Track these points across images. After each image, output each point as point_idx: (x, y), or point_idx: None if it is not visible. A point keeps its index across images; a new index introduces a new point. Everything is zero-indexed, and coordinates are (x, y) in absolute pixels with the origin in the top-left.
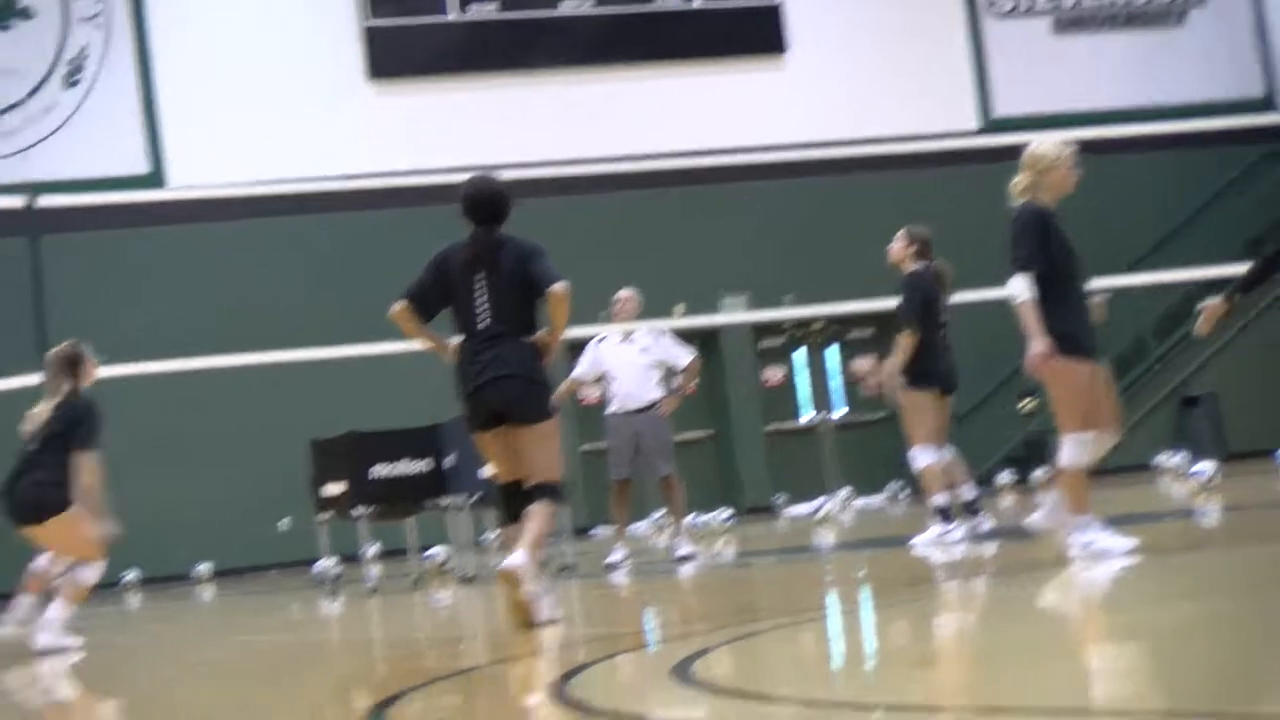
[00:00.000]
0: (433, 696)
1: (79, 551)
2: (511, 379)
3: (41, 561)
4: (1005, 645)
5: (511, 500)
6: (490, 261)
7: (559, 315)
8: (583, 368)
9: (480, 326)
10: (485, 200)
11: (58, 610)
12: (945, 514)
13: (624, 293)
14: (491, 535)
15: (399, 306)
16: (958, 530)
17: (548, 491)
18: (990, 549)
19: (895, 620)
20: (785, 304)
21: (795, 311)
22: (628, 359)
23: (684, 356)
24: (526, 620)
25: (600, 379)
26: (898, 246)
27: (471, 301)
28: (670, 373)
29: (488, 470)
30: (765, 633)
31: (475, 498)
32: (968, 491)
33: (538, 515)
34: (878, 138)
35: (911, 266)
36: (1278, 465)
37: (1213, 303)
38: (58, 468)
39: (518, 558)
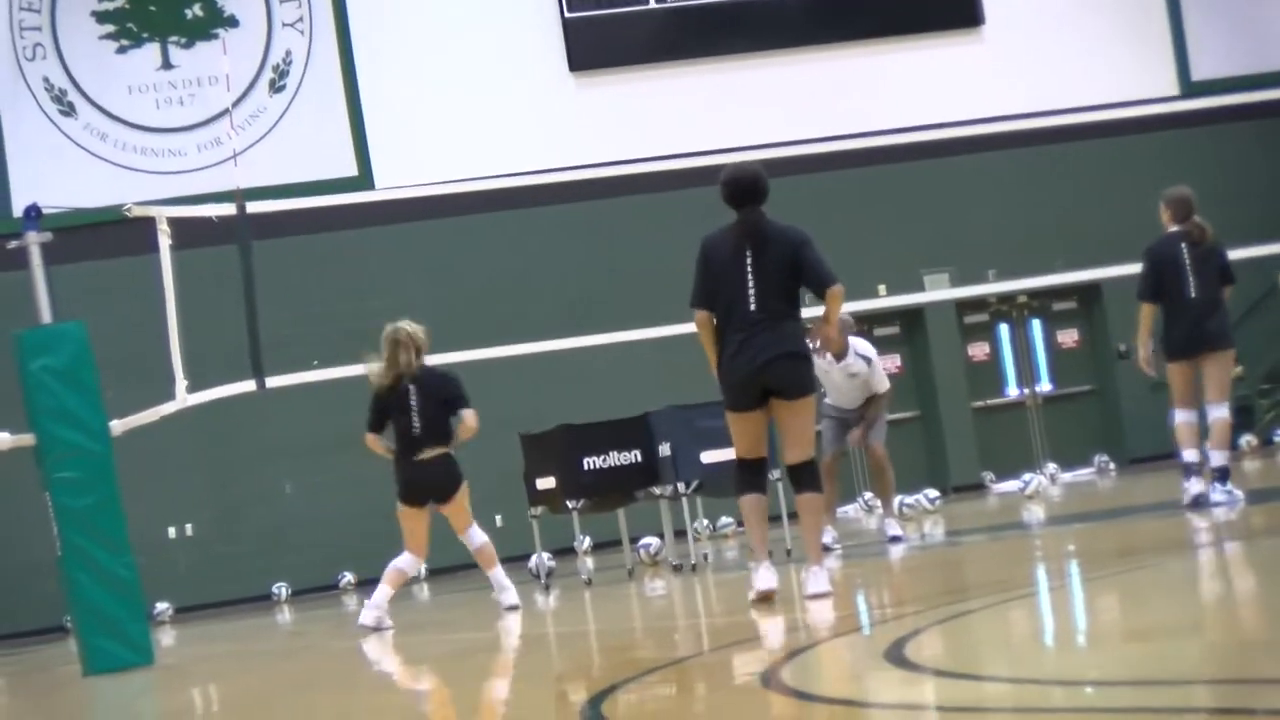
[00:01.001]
0: (647, 687)
1: (468, 521)
2: (790, 357)
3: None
4: (1206, 619)
5: (751, 475)
6: (758, 244)
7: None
8: None
9: (751, 309)
10: (749, 183)
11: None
12: (1187, 470)
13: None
14: (703, 523)
15: (699, 317)
16: (1194, 486)
17: (814, 478)
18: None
19: (1105, 594)
20: (989, 279)
21: (998, 286)
22: (836, 379)
23: (883, 384)
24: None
25: None
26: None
27: (745, 284)
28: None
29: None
30: (976, 612)
31: (694, 486)
32: (1210, 456)
33: (814, 514)
34: (1076, 107)
35: (1171, 229)
36: None
37: None
38: (445, 438)
39: (822, 583)
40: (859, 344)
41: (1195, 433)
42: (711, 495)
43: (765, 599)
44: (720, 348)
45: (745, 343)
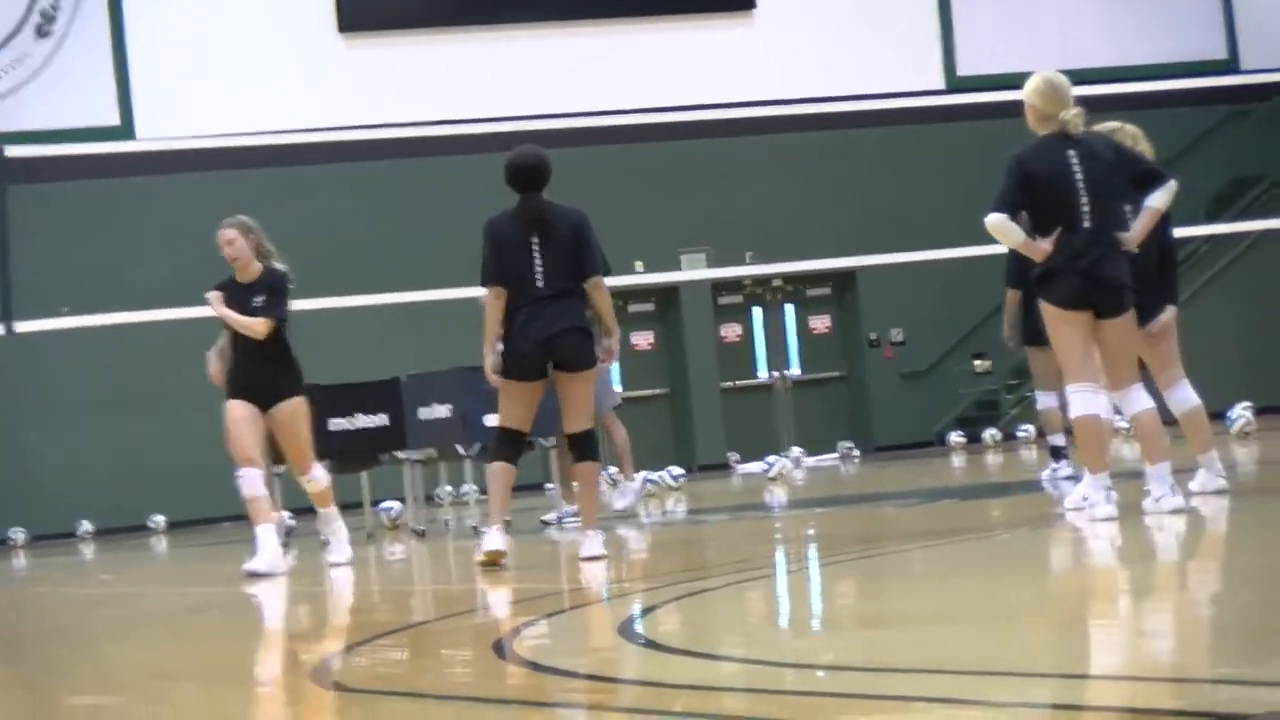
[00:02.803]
0: (379, 650)
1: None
2: (577, 331)
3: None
4: (944, 607)
5: (511, 446)
6: (542, 227)
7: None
8: None
9: (539, 285)
10: (530, 169)
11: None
12: (1054, 453)
13: None
14: (446, 489)
15: (493, 293)
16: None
17: (593, 447)
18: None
19: (843, 579)
20: (745, 261)
21: (754, 269)
22: None
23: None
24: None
25: None
26: None
27: (532, 263)
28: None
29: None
30: (713, 590)
31: (477, 449)
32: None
33: (591, 480)
34: (842, 95)
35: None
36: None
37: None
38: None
39: (597, 546)
40: None
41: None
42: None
43: (492, 561)
44: (507, 322)
45: (534, 315)
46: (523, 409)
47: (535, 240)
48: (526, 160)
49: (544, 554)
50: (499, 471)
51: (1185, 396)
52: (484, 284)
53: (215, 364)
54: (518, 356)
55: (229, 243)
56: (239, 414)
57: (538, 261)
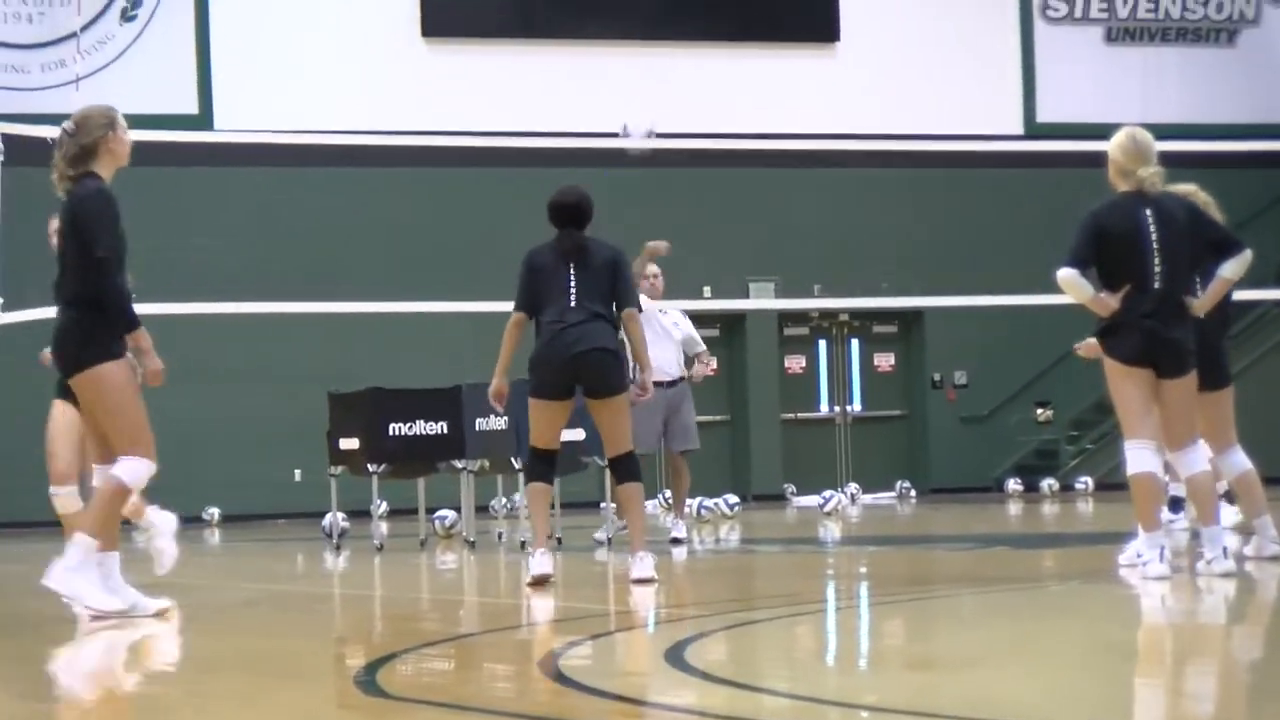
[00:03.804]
0: (424, 660)
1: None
2: (604, 352)
3: None
4: (991, 656)
5: (545, 465)
6: (579, 258)
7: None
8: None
9: (571, 305)
10: (572, 206)
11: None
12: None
13: (653, 267)
14: (501, 501)
15: (515, 319)
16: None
17: (634, 468)
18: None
19: (892, 619)
20: (814, 294)
21: (822, 302)
22: (660, 331)
23: (701, 343)
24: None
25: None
26: None
27: (568, 288)
28: (687, 356)
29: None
30: (762, 622)
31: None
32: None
33: (638, 501)
34: (921, 134)
35: None
36: None
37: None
38: None
39: (648, 568)
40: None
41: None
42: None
43: (540, 583)
44: (538, 340)
45: (563, 333)
46: (550, 428)
47: (572, 267)
48: (568, 199)
49: (594, 573)
50: (536, 492)
51: (1238, 461)
52: (515, 309)
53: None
54: (545, 373)
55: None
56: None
57: (573, 286)
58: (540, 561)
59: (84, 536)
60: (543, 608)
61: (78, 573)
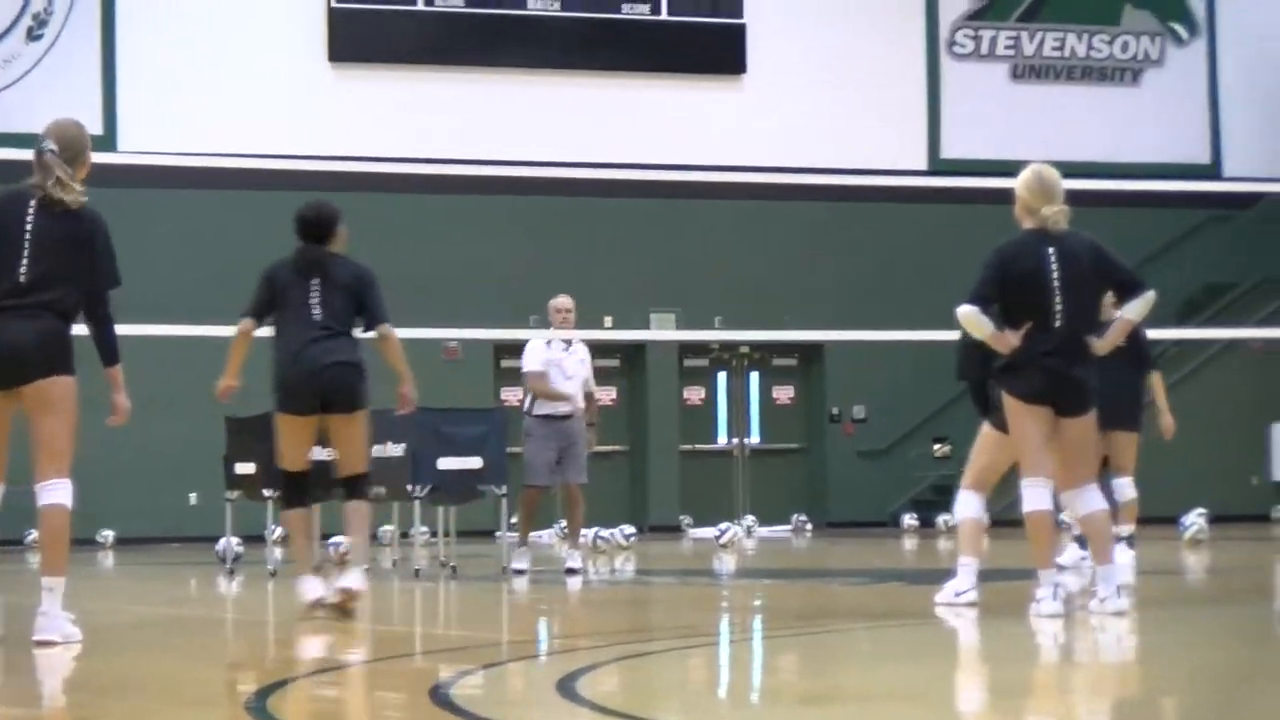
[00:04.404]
0: (316, 687)
1: None
2: (346, 366)
3: None
4: (883, 690)
5: (301, 489)
6: (321, 272)
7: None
8: (535, 366)
9: (316, 317)
10: (310, 220)
11: None
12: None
13: (566, 301)
14: (387, 529)
15: (242, 325)
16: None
17: (362, 487)
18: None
19: (787, 653)
20: (714, 326)
21: (723, 334)
22: (571, 372)
23: (593, 384)
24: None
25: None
26: None
27: (308, 302)
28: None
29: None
30: (656, 654)
31: (428, 490)
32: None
33: (363, 519)
34: (824, 168)
35: None
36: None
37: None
38: None
39: (357, 579)
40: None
41: None
42: (442, 503)
43: (316, 607)
44: (281, 357)
45: (307, 349)
46: (298, 447)
47: (315, 282)
48: (307, 213)
49: (488, 603)
50: (293, 519)
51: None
52: (242, 314)
53: None
54: (289, 388)
55: None
56: None
57: (315, 300)
58: (312, 585)
59: (57, 580)
60: (438, 638)
61: (59, 615)
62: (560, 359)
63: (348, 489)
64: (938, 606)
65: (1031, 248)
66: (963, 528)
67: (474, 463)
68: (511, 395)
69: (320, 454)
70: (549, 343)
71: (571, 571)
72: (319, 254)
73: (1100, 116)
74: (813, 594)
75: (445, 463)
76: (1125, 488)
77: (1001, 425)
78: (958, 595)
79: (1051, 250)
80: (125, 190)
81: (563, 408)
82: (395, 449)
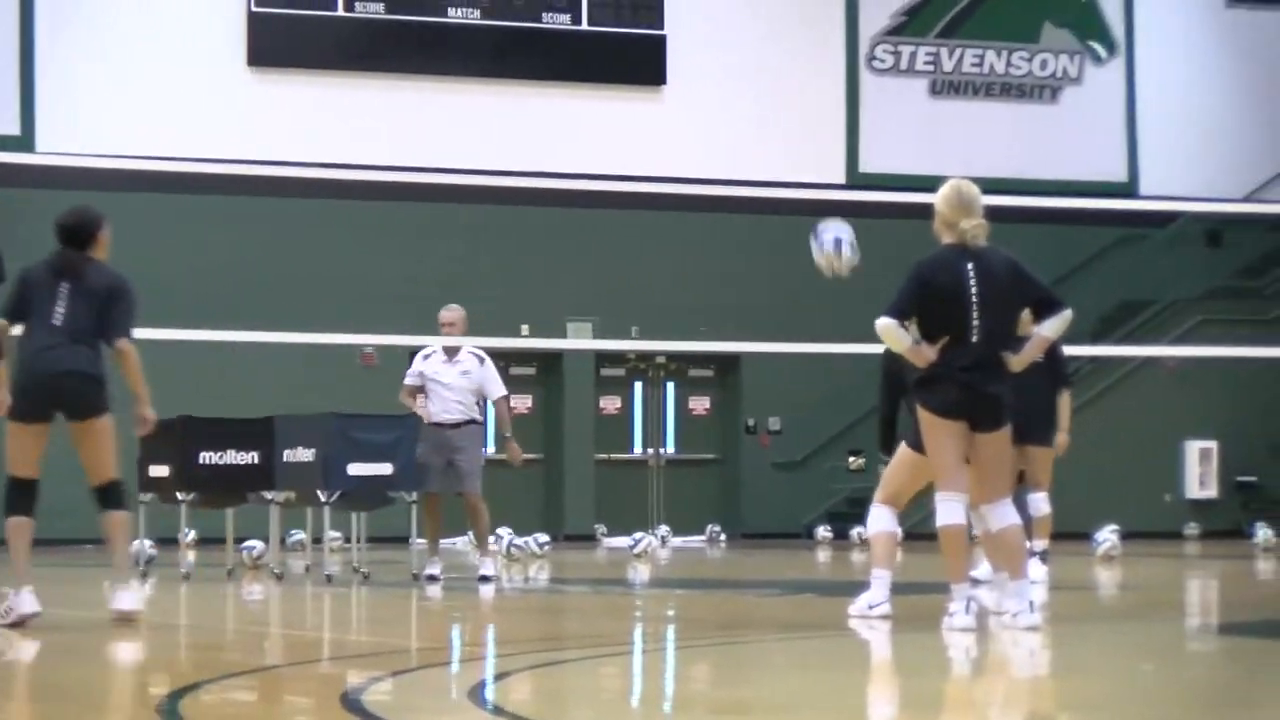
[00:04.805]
0: (228, 691)
1: None
2: (81, 376)
3: None
4: (794, 701)
5: (27, 496)
6: (72, 278)
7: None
8: (411, 379)
9: (57, 324)
10: (68, 227)
11: None
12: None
13: (446, 313)
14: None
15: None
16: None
17: (119, 496)
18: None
19: (699, 663)
20: (631, 336)
21: (639, 344)
22: (447, 381)
23: (498, 389)
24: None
25: (420, 390)
26: None
27: (54, 304)
28: (482, 399)
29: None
30: (568, 662)
31: (336, 495)
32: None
33: (123, 530)
34: (743, 180)
35: None
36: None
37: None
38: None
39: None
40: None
41: None
42: (353, 508)
43: (21, 624)
44: (20, 360)
45: (45, 354)
46: (28, 453)
47: (65, 287)
48: (66, 219)
49: (400, 609)
50: (16, 528)
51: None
52: None
53: None
54: (21, 393)
55: None
56: None
57: (60, 306)
58: (24, 600)
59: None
60: (348, 643)
61: None
62: (438, 371)
63: (102, 498)
64: (850, 619)
65: (951, 263)
66: (875, 541)
67: (385, 469)
68: (419, 401)
69: (233, 458)
70: (426, 356)
71: (485, 579)
72: (74, 258)
73: (1019, 133)
74: (726, 604)
75: (356, 468)
76: (1040, 503)
77: (918, 446)
78: (871, 608)
79: (971, 266)
80: (42, 191)
81: (448, 417)
82: (306, 454)
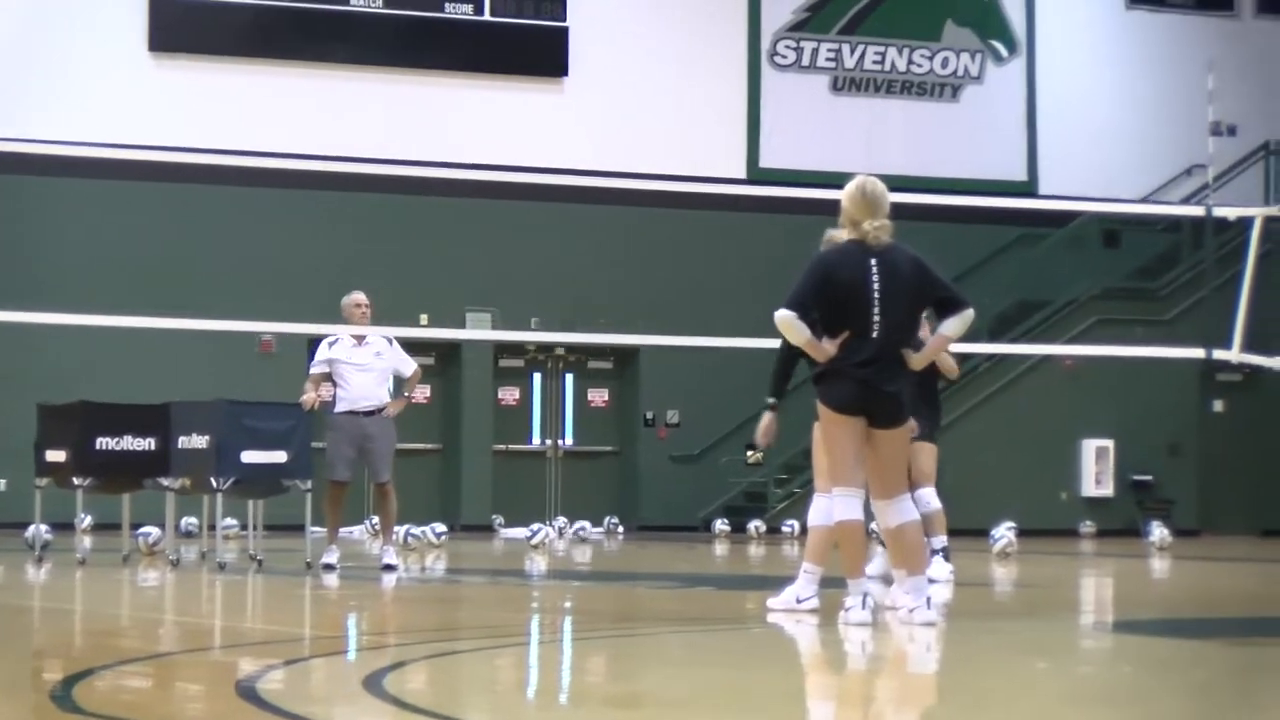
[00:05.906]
0: (122, 678)
1: None
2: None
3: None
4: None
5: None
6: None
7: None
8: (314, 366)
9: None
10: None
11: None
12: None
13: (362, 296)
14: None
15: None
16: None
17: None
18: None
19: (595, 655)
20: (530, 327)
21: (539, 336)
22: (361, 362)
23: (410, 365)
24: None
25: (327, 378)
26: None
27: None
28: (398, 380)
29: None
30: (464, 653)
31: (230, 482)
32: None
33: None
34: (644, 173)
35: None
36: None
37: (766, 418)
38: None
39: None
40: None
41: None
42: (247, 496)
43: None
44: None
45: None
46: None
47: None
48: None
49: (295, 597)
50: None
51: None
52: None
53: None
54: None
55: None
56: None
57: None
58: None
59: None
60: (244, 630)
61: None
62: (349, 354)
63: None
64: (772, 612)
65: (854, 258)
66: (813, 535)
67: (279, 456)
68: (324, 390)
69: (130, 444)
70: (332, 343)
71: (389, 568)
72: None
73: (919, 131)
74: (622, 597)
75: (249, 456)
76: (928, 498)
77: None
78: (799, 601)
79: (874, 261)
80: None
81: (365, 403)
82: (200, 440)
